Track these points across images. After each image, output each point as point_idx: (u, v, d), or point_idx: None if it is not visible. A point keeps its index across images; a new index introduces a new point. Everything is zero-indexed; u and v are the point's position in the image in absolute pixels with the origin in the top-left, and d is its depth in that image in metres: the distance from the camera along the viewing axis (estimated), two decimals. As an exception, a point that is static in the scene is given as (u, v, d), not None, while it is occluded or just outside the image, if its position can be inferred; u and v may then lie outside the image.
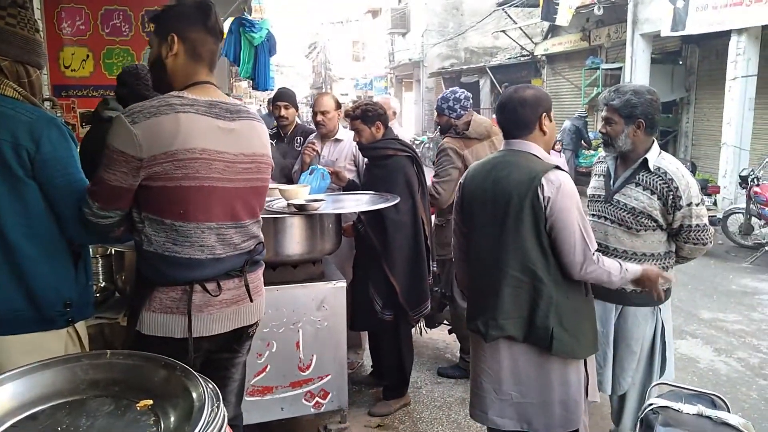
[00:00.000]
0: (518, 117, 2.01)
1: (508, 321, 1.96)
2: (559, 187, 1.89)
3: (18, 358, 1.56)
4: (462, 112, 3.37)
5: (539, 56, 15.64)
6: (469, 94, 3.50)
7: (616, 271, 1.95)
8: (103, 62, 4.55)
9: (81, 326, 1.79)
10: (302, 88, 45.05)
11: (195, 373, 1.09)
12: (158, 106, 1.55)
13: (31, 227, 1.61)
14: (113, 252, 2.29)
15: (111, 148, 1.55)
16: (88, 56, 4.52)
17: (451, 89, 3.56)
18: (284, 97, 4.10)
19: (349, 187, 3.33)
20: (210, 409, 1.01)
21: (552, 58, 15.42)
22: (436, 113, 3.55)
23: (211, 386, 1.09)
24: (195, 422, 0.97)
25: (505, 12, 15.59)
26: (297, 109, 4.23)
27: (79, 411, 1.09)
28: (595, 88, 12.23)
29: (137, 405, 1.09)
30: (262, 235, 1.80)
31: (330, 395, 2.75)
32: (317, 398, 2.72)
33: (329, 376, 2.73)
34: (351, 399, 3.00)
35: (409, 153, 3.10)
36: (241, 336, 1.78)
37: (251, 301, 1.74)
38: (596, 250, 1.93)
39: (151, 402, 1.08)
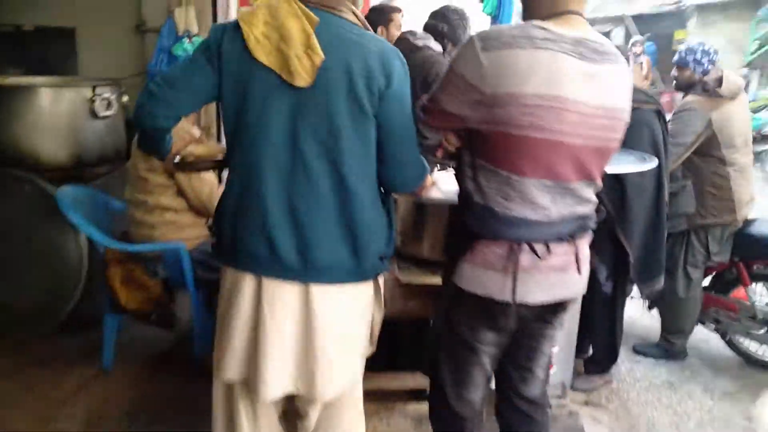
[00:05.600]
0: None
1: None
2: None
3: (335, 305, 1.63)
4: (709, 67, 3.21)
5: (685, 4, 14.54)
6: (716, 48, 3.30)
7: None
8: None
9: (381, 279, 1.83)
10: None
11: None
12: (517, 36, 1.43)
13: (366, 170, 1.62)
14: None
15: (453, 70, 1.52)
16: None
17: (698, 41, 3.37)
18: None
19: None
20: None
21: (703, 8, 14.31)
22: (675, 66, 3.38)
23: None
24: None
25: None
26: None
27: None
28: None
29: None
30: (596, 200, 1.70)
31: (554, 368, 2.75)
32: (544, 366, 2.74)
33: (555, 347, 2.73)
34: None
35: (656, 106, 2.97)
36: (557, 308, 1.71)
37: (579, 271, 1.65)
38: None
39: None
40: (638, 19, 16.13)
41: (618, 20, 16.69)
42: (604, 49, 1.53)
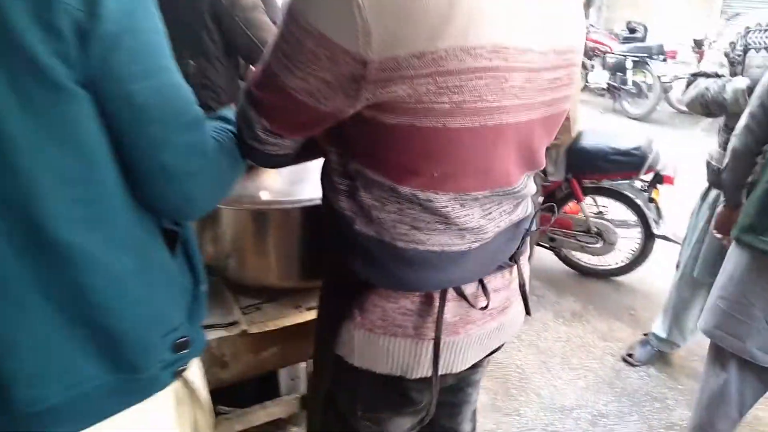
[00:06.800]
0: None
1: None
2: None
3: None
4: None
5: None
6: None
7: None
8: None
9: (194, 365, 0.99)
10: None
11: None
12: None
13: (95, 202, 0.74)
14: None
15: (304, 27, 0.73)
16: None
17: None
18: None
19: None
20: None
21: None
22: None
23: None
24: None
25: None
26: None
27: None
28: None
29: None
30: (534, 188, 1.04)
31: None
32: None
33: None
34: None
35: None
36: (493, 352, 1.13)
37: (525, 301, 1.08)
38: None
39: None
40: None
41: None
42: None
